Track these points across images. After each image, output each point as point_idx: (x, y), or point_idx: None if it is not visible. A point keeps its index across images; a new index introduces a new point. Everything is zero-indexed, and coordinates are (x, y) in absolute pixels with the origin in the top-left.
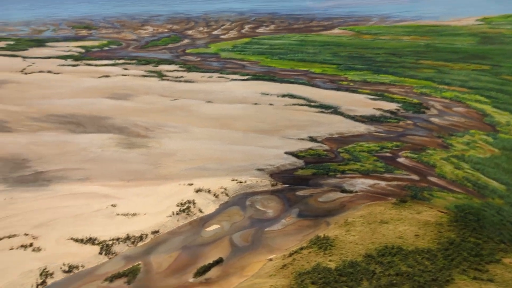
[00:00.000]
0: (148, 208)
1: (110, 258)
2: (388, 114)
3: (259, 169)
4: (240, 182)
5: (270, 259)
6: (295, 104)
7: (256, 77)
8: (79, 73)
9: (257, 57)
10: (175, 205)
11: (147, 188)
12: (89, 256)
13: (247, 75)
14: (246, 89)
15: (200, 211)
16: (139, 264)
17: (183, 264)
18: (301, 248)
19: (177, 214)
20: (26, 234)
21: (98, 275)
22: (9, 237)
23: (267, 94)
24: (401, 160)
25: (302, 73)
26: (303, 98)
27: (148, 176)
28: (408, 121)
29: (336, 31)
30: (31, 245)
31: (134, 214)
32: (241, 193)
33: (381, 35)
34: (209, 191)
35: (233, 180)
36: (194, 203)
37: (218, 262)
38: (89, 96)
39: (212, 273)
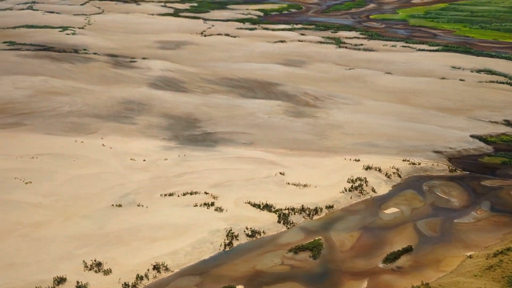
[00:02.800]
0: (318, 181)
1: (288, 228)
2: None
3: (436, 151)
4: (413, 164)
5: (470, 256)
6: (492, 82)
7: (447, 48)
8: (255, 37)
9: (452, 26)
10: (345, 180)
11: (311, 159)
12: (268, 223)
13: (437, 45)
14: (433, 61)
15: (373, 190)
16: (320, 239)
17: (367, 246)
18: (508, 249)
19: (349, 191)
20: (206, 193)
21: (280, 244)
22: (191, 193)
23: (459, 68)
24: None
25: (507, 46)
26: (504, 75)
27: (311, 146)
28: None
29: None
30: (212, 204)
31: (305, 185)
32: (413, 176)
33: None
34: (379, 170)
35: (404, 161)
36: (366, 181)
37: (407, 250)
38: (262, 61)
39: (402, 261)
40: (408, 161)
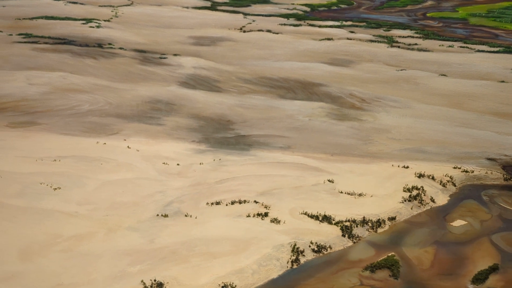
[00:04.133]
0: (372, 189)
1: (354, 243)
2: None
3: (489, 159)
4: (466, 171)
5: None
6: None
7: (509, 49)
8: (300, 34)
9: None
10: (401, 189)
11: (356, 165)
12: (332, 237)
13: (498, 46)
14: (493, 63)
15: (432, 200)
16: (394, 256)
17: (447, 264)
18: None
19: (409, 201)
20: (255, 202)
21: (351, 261)
22: (239, 202)
23: None
24: None
25: None
26: None
27: (354, 152)
28: None
29: None
30: (266, 214)
31: (360, 195)
32: (467, 184)
33: None
34: (432, 178)
35: (455, 168)
36: (423, 190)
37: (494, 269)
38: (306, 60)
39: (493, 282)
40: (460, 168)
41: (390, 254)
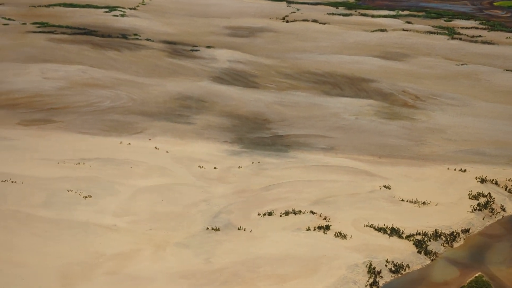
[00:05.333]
0: (434, 197)
1: (432, 260)
2: None
3: None
4: None
5: None
6: None
7: None
8: (350, 25)
9: None
10: (466, 196)
11: (409, 168)
12: (407, 253)
13: None
14: None
15: (503, 209)
16: (482, 276)
17: None
18: None
19: (479, 210)
20: (312, 212)
21: (437, 283)
22: (294, 213)
23: None
24: None
25: None
26: None
27: (404, 153)
28: None
29: None
30: (327, 227)
31: (423, 203)
32: None
33: None
34: (496, 183)
35: None
36: (491, 198)
37: None
38: (355, 53)
39: None
40: None
41: (477, 275)
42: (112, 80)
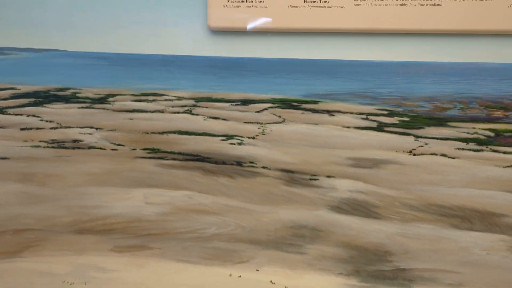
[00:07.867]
0: None
1: None
2: None
3: None
4: None
5: None
6: None
7: None
8: (480, 160)
9: None
10: None
11: None
12: None
13: None
14: None
15: None
16: None
17: None
18: None
19: None
20: None
21: None
22: None
23: None
24: None
25: None
26: None
27: None
28: None
29: None
30: None
31: None
32: None
33: None
34: None
35: None
36: None
37: None
38: (486, 188)
39: None
40: None
41: None
42: (220, 207)
